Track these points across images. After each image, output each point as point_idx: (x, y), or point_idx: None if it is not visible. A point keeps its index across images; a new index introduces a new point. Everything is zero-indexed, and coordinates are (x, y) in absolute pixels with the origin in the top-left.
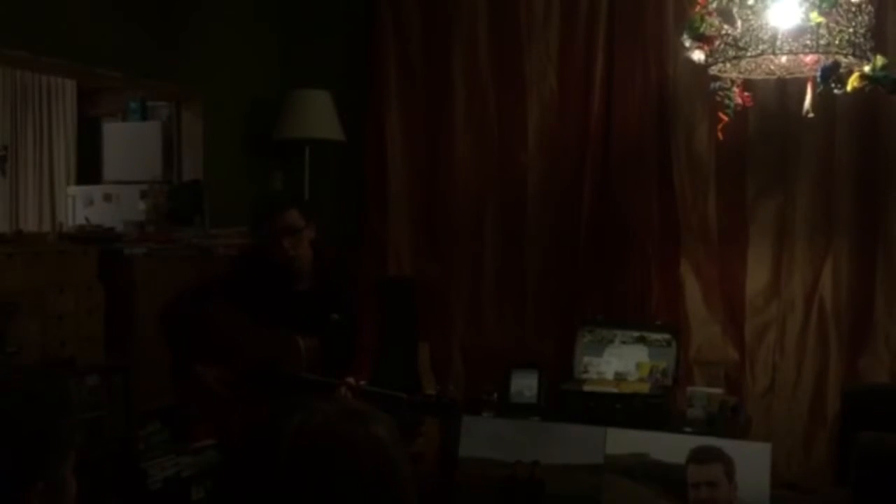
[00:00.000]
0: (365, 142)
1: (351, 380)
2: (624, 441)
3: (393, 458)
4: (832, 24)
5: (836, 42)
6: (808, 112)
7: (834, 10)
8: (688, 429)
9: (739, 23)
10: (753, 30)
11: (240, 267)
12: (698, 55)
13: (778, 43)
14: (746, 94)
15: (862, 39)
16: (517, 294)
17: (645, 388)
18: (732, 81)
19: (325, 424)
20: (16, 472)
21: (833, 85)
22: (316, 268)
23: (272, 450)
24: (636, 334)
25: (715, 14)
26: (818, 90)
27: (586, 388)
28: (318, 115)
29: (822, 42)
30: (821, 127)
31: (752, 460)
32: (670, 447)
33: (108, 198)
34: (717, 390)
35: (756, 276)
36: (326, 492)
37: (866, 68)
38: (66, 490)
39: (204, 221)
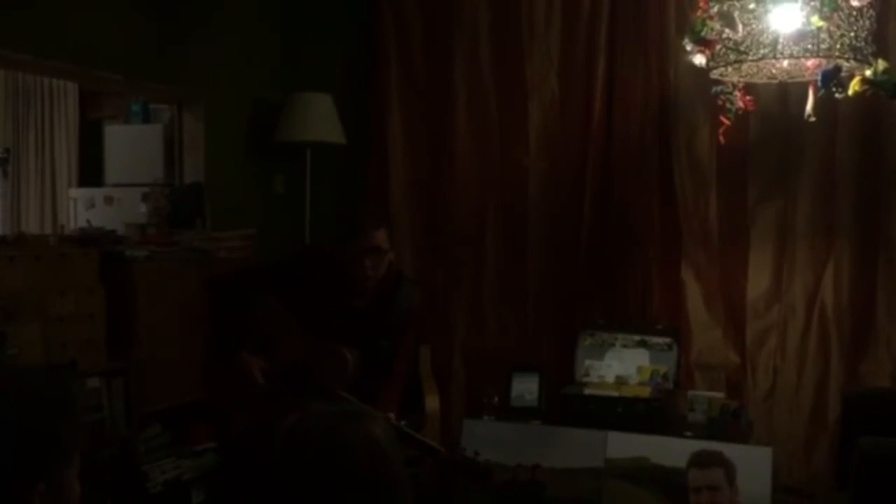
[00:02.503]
0: (366, 145)
1: (392, 416)
2: (625, 445)
3: (388, 458)
4: (833, 29)
5: (838, 46)
6: (809, 116)
7: (835, 15)
8: (688, 433)
9: (741, 27)
10: (755, 34)
11: (307, 266)
12: (700, 59)
13: (779, 47)
14: (748, 97)
15: (863, 44)
16: (518, 297)
17: (646, 391)
18: (734, 85)
19: (322, 424)
20: (19, 471)
21: (834, 89)
22: (377, 289)
23: (269, 449)
24: (637, 338)
25: (716, 18)
26: (819, 94)
27: (587, 391)
28: (319, 118)
29: (824, 46)
30: (822, 131)
31: (753, 464)
32: (671, 451)
33: (109, 200)
34: (718, 394)
35: (757, 280)
36: (322, 490)
37: (867, 72)
38: (69, 492)
39: (205, 224)
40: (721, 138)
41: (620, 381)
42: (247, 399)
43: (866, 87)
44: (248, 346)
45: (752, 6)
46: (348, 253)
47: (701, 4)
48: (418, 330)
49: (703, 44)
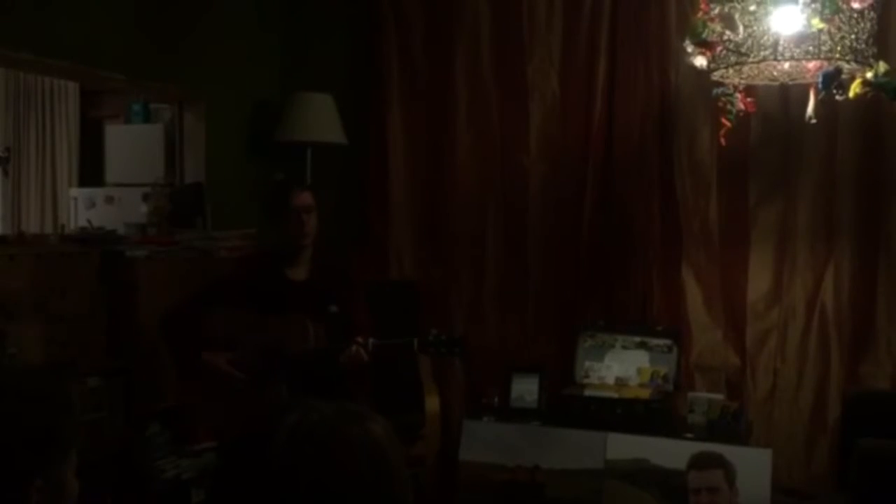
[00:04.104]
0: (367, 145)
1: (360, 339)
2: (624, 446)
3: (388, 457)
4: (834, 31)
5: (838, 48)
6: (810, 118)
7: (836, 17)
8: (688, 434)
9: (741, 28)
10: (755, 36)
11: (237, 267)
12: (700, 61)
13: (780, 49)
14: (749, 99)
15: (864, 46)
16: (518, 298)
17: (646, 393)
18: (735, 87)
19: (322, 423)
20: (17, 467)
21: (835, 91)
22: (312, 258)
23: (269, 447)
24: (637, 339)
25: (717, 20)
26: (820, 96)
27: (587, 392)
28: (320, 118)
29: (825, 48)
30: (823, 133)
31: (752, 466)
32: (671, 453)
33: (109, 200)
34: (718, 396)
35: (757, 282)
36: (322, 489)
37: (868, 74)
38: (66, 489)
39: (205, 224)
40: (722, 140)
41: (620, 383)
42: (228, 395)
43: (867, 89)
44: (212, 349)
45: (752, 8)
46: (285, 215)
47: (702, 6)
48: (365, 301)
49: (704, 45)
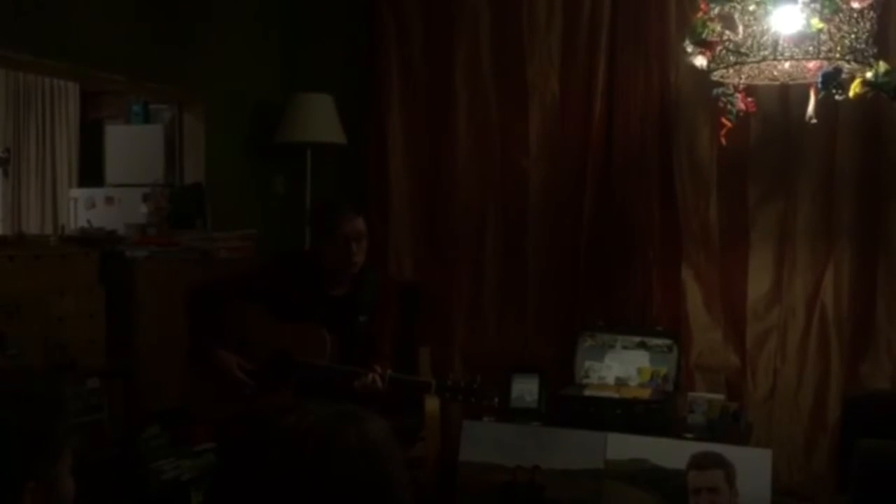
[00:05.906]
0: (366, 145)
1: (378, 368)
2: (624, 446)
3: (386, 459)
4: (834, 30)
5: (838, 48)
6: (810, 118)
7: (836, 16)
8: (688, 434)
9: (741, 28)
10: (755, 35)
11: (276, 267)
12: (700, 61)
13: (780, 49)
14: (749, 99)
15: (864, 45)
16: (518, 298)
17: (646, 393)
18: (735, 87)
19: (319, 425)
20: (9, 470)
21: (835, 91)
22: (354, 276)
23: (265, 450)
24: (637, 339)
25: (717, 20)
26: (820, 96)
27: (587, 393)
28: (319, 119)
29: (824, 48)
30: (823, 133)
31: (752, 466)
32: (671, 453)
33: (109, 200)
34: (718, 396)
35: (757, 282)
36: (319, 492)
37: (868, 74)
38: (61, 490)
39: (205, 224)
40: (722, 140)
41: (620, 383)
42: (229, 395)
43: (867, 88)
44: (228, 345)
45: (752, 8)
46: (333, 241)
47: (701, 6)
48: (395, 311)
49: (704, 45)
